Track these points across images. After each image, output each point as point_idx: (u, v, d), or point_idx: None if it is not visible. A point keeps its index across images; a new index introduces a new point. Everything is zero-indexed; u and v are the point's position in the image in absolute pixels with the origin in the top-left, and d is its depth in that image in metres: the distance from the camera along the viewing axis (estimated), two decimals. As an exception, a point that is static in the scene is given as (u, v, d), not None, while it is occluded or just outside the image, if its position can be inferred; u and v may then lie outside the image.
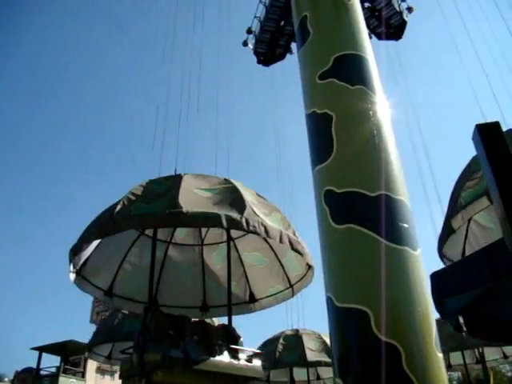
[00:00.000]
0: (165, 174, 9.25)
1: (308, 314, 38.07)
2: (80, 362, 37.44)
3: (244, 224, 7.29)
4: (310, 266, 9.54)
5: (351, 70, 10.90)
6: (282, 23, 19.19)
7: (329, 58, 10.93)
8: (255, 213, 7.70)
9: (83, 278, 9.44)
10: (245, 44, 19.88)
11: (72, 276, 9.01)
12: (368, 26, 16.47)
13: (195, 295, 10.74)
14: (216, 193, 7.99)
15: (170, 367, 6.95)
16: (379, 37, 19.49)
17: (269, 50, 19.98)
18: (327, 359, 15.49)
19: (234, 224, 7.32)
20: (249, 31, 19.82)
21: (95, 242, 8.94)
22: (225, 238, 10.20)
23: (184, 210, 7.03)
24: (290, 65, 19.98)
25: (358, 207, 9.01)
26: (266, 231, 7.66)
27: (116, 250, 9.99)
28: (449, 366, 17.74)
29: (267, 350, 16.81)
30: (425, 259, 8.88)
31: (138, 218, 7.35)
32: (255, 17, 19.51)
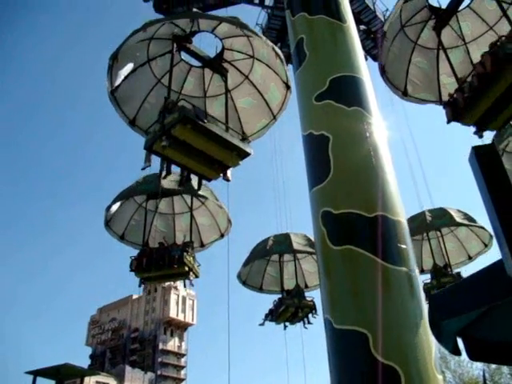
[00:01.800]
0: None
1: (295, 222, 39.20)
2: (75, 386, 36.97)
3: (239, 28, 10.92)
4: (288, 87, 12.56)
5: (347, 91, 10.95)
6: (279, 45, 19.42)
7: (325, 80, 10.99)
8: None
9: (115, 100, 12.00)
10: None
11: (108, 92, 11.67)
12: (364, 47, 16.65)
13: None
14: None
15: (185, 122, 9.27)
16: (375, 58, 19.71)
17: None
18: (311, 250, 17.44)
19: (235, 23, 10.84)
20: (246, 53, 20.01)
21: (127, 70, 11.69)
22: (223, 90, 12.77)
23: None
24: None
25: (356, 228, 8.98)
26: (256, 32, 11.42)
27: (141, 89, 12.58)
28: (422, 271, 17.97)
29: (259, 247, 18.86)
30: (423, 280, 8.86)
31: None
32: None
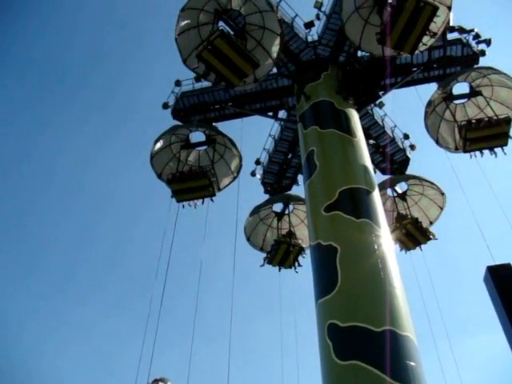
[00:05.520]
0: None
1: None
2: None
3: None
4: (283, 42, 15.86)
5: (356, 203, 11.10)
6: (290, 156, 19.96)
7: (334, 192, 11.18)
8: None
9: (178, 44, 15.98)
10: (253, 174, 20.58)
11: (174, 36, 15.75)
12: (373, 161, 17.08)
13: None
14: None
15: (222, 37, 14.39)
16: (384, 171, 20.14)
17: (276, 180, 20.63)
18: (303, 202, 18.87)
19: None
20: (257, 162, 20.59)
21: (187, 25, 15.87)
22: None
23: None
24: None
25: (363, 343, 8.72)
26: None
27: (194, 39, 16.18)
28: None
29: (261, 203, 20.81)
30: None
31: None
32: (264, 149, 20.37)
